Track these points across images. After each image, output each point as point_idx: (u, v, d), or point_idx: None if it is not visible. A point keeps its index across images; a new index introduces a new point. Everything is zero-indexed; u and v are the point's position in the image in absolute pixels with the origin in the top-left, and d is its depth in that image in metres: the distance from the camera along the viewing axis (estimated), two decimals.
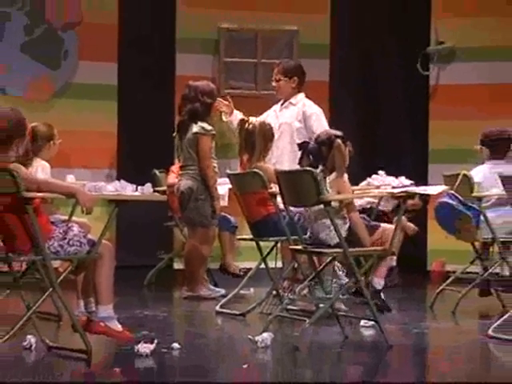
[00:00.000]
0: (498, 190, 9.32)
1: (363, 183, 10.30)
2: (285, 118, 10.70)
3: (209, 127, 10.34)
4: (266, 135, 9.87)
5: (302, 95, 10.88)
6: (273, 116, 10.79)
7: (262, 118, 10.65)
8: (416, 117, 13.35)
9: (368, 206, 10.34)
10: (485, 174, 9.95)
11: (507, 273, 9.80)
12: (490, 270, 9.99)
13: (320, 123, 10.63)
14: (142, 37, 12.71)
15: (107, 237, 7.86)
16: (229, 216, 11.11)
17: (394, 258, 10.50)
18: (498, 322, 8.49)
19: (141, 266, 11.56)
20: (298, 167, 8.71)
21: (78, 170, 10.44)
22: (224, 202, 10.88)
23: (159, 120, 12.16)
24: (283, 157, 10.34)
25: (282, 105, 10.91)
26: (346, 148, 8.78)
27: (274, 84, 10.97)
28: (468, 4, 13.24)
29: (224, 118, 10.95)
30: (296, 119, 10.70)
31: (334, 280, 8.94)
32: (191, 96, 10.50)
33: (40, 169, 9.15)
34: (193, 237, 10.58)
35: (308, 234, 8.53)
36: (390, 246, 8.78)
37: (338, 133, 8.74)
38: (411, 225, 10.98)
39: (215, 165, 10.43)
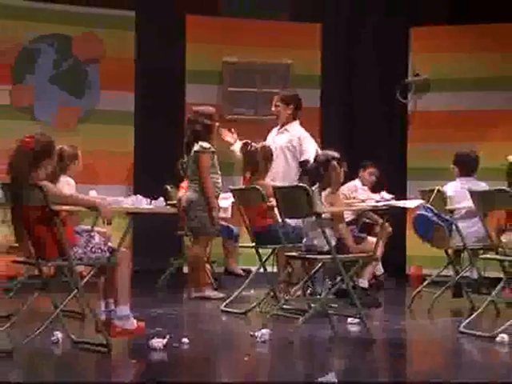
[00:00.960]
0: (467, 203, 9.32)
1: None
2: (280, 142, 10.68)
3: (207, 145, 10.33)
4: (267, 157, 9.98)
5: (296, 123, 10.89)
6: (270, 140, 10.78)
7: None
8: (396, 139, 13.37)
9: (356, 218, 10.31)
10: (456, 190, 9.99)
11: (476, 276, 9.77)
12: (461, 274, 9.99)
13: (311, 145, 10.67)
14: (155, 69, 12.71)
15: (125, 245, 7.85)
16: (232, 226, 11.11)
17: (379, 264, 10.53)
18: (468, 320, 8.50)
19: (154, 270, 11.54)
20: (289, 184, 8.80)
21: (100, 186, 10.40)
22: (228, 214, 10.90)
23: (170, 142, 12.14)
24: (278, 175, 10.34)
25: (278, 130, 10.91)
26: (341, 168, 8.82)
27: (273, 109, 10.98)
28: (440, 42, 13.27)
29: (231, 148, 11.02)
30: (290, 144, 10.71)
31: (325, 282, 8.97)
32: (193, 119, 10.54)
33: (66, 185, 9.17)
34: (196, 243, 10.58)
35: (304, 241, 8.53)
36: (374, 254, 8.80)
37: (336, 155, 8.78)
38: (389, 228, 10.94)
39: (219, 180, 10.42)
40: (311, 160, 9.05)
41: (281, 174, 10.40)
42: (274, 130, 10.97)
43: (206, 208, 10.34)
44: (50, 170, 7.43)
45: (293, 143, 10.72)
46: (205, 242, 10.65)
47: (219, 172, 10.51)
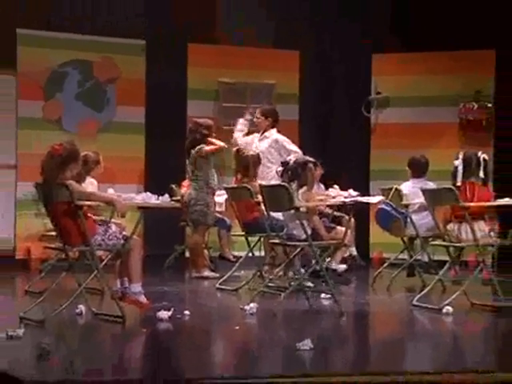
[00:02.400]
0: (419, 199, 9.35)
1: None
2: (261, 148, 10.73)
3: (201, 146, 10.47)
4: (256, 162, 9.96)
5: (274, 130, 10.97)
6: (253, 146, 10.82)
7: (246, 140, 11.06)
8: (361, 146, 13.33)
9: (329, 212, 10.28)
10: (409, 188, 10.01)
11: (426, 259, 9.78)
12: (414, 258, 10.00)
13: (293, 145, 10.85)
14: (162, 88, 12.66)
15: (137, 233, 7.86)
16: (225, 218, 11.11)
17: (353, 249, 10.54)
18: (420, 295, 8.52)
19: (161, 254, 11.49)
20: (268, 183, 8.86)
21: (116, 185, 10.38)
22: (222, 208, 10.91)
23: (174, 148, 12.08)
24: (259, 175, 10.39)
25: (259, 138, 10.98)
26: (316, 170, 8.88)
27: (255, 121, 11.11)
28: (396, 67, 13.28)
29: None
30: (271, 148, 10.77)
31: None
32: (194, 129, 10.56)
33: (90, 184, 9.21)
34: (196, 232, 10.57)
35: (285, 231, 8.53)
36: (343, 240, 8.81)
37: (311, 159, 8.84)
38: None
39: (214, 177, 10.45)
40: (291, 160, 9.02)
41: (260, 174, 10.40)
42: (256, 138, 11.04)
43: (204, 203, 10.34)
44: (75, 172, 7.48)
45: (273, 146, 10.80)
46: (203, 232, 10.65)
47: (214, 172, 10.51)
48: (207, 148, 10.35)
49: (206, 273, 10.64)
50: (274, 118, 11.01)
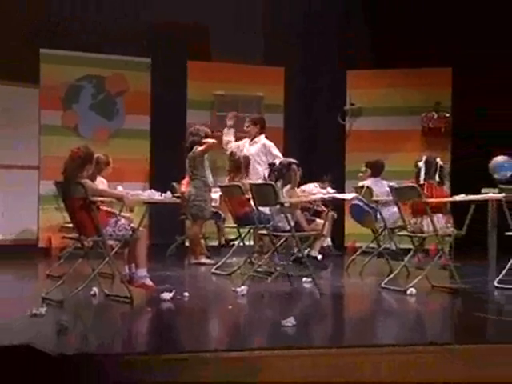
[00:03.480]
0: (384, 196, 9.44)
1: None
2: (251, 152, 10.65)
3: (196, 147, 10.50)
4: (246, 164, 9.97)
5: (262, 136, 10.88)
6: (245, 150, 10.74)
7: (237, 144, 10.96)
8: (338, 150, 13.37)
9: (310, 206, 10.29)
10: (376, 186, 10.04)
11: (393, 247, 9.79)
12: (383, 246, 10.01)
13: (277, 150, 10.76)
14: (165, 99, 12.67)
15: (142, 225, 7.87)
16: (220, 212, 11.11)
17: (328, 239, 10.53)
18: (387, 279, 8.52)
19: (164, 244, 11.50)
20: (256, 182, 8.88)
21: (124, 183, 10.39)
22: (217, 203, 10.92)
23: (175, 151, 12.08)
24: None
25: (249, 143, 10.90)
26: (298, 171, 8.89)
27: (245, 128, 11.02)
28: (367, 81, 13.34)
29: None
30: (260, 151, 10.71)
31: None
32: (194, 132, 10.55)
33: (101, 183, 9.18)
34: (194, 224, 10.56)
35: (271, 223, 8.54)
36: (321, 232, 8.83)
37: (294, 161, 8.90)
38: (334, 214, 10.96)
39: (210, 176, 10.45)
40: (277, 162, 9.03)
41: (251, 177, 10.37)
42: (246, 143, 10.95)
43: (202, 199, 10.34)
44: (90, 172, 7.49)
45: (262, 150, 10.72)
46: (201, 224, 10.65)
47: (209, 171, 10.51)
48: (200, 148, 10.34)
49: (203, 260, 10.64)
50: (262, 125, 10.96)
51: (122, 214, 8.24)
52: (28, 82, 12.14)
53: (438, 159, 9.05)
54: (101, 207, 7.55)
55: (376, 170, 10.41)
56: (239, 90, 13.17)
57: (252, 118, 11.16)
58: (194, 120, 12.87)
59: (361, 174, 10.84)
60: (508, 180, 9.34)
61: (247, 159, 10.10)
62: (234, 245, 10.40)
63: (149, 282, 7.50)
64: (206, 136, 10.52)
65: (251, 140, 10.94)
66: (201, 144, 10.43)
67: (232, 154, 10.19)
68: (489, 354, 5.20)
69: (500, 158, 9.35)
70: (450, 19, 12.52)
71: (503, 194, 8.58)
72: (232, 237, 11.28)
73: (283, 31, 13.52)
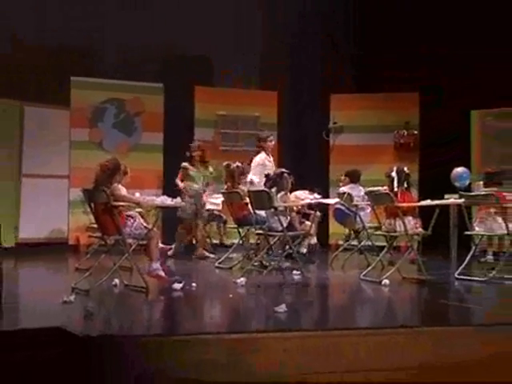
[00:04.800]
0: (360, 200, 9.44)
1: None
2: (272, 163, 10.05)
3: (183, 164, 10.77)
4: (241, 172, 9.84)
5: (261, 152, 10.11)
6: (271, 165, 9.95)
7: (259, 163, 9.93)
8: (323, 161, 13.36)
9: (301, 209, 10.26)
10: (355, 192, 10.00)
11: (370, 244, 9.78)
12: (362, 244, 10.00)
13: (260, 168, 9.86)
14: (176, 119, 12.63)
15: (156, 226, 7.83)
16: (222, 215, 11.08)
17: (314, 238, 10.49)
18: (365, 271, 8.51)
19: (174, 241, 11.45)
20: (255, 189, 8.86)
21: (141, 190, 10.32)
22: (220, 207, 10.88)
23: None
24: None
25: (269, 158, 10.02)
26: (290, 179, 8.88)
27: (270, 144, 10.08)
28: (348, 104, 13.32)
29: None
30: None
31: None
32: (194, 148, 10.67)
33: (121, 189, 9.14)
34: (180, 224, 10.73)
35: (266, 224, 8.52)
36: (309, 231, 8.81)
37: (286, 171, 8.90)
38: (318, 215, 10.92)
39: (194, 186, 10.62)
40: (272, 173, 9.01)
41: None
42: (266, 160, 9.96)
43: (187, 204, 10.29)
44: (118, 180, 7.49)
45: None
46: (202, 225, 10.63)
47: (196, 181, 10.40)
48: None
49: (208, 254, 10.63)
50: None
51: (139, 216, 8.22)
52: (60, 105, 12.15)
53: (406, 168, 9.04)
54: (121, 210, 7.53)
55: (354, 177, 10.38)
56: (239, 111, 13.17)
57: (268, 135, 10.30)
58: (200, 136, 12.91)
59: (341, 184, 10.83)
60: (466, 188, 9.35)
61: (240, 169, 9.92)
62: (232, 244, 10.36)
63: (162, 274, 7.47)
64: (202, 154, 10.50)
65: (270, 155, 10.13)
66: (203, 154, 10.41)
67: (227, 165, 10.05)
68: (451, 335, 5.20)
69: (460, 169, 9.38)
70: (419, 55, 12.56)
71: (462, 200, 8.60)
72: (230, 241, 11.19)
73: (276, 61, 13.51)
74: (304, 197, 9.52)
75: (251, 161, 10.03)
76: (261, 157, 9.91)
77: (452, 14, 12.32)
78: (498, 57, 11.66)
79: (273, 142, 10.13)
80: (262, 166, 9.78)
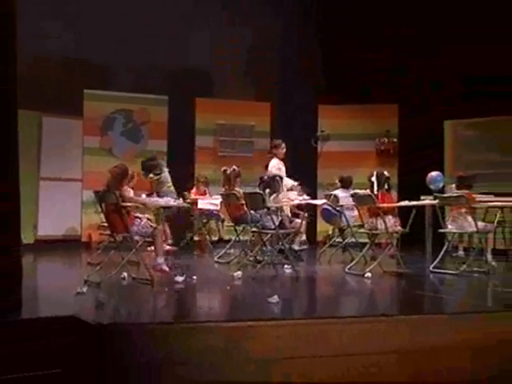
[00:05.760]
0: (346, 201, 9.43)
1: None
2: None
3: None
4: (236, 176, 9.62)
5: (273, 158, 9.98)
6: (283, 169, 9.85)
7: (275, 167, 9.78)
8: (311, 166, 13.35)
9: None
10: (341, 194, 9.99)
11: (354, 241, 9.78)
12: (346, 240, 10.01)
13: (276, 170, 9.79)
14: (178, 127, 12.62)
15: (160, 224, 7.84)
16: (220, 214, 11.05)
17: (304, 235, 10.46)
18: (350, 265, 8.52)
19: (177, 238, 11.42)
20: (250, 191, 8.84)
21: (147, 192, 10.31)
22: (218, 208, 10.81)
23: (186, 168, 12.15)
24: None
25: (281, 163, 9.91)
26: (282, 182, 8.89)
27: (282, 151, 9.96)
28: (335, 113, 13.32)
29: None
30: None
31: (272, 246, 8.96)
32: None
33: (129, 191, 9.13)
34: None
35: (260, 223, 8.52)
36: (299, 229, 8.81)
37: (278, 174, 8.93)
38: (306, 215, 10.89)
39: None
40: (265, 177, 8.99)
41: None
42: (280, 164, 9.85)
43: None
44: (128, 183, 7.52)
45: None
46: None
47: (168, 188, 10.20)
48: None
49: (207, 251, 10.62)
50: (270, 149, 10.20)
51: (146, 215, 8.21)
52: (75, 115, 12.13)
53: (386, 172, 9.07)
54: (129, 211, 7.52)
55: (346, 183, 10.33)
56: (236, 120, 13.16)
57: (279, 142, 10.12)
58: (201, 143, 12.95)
59: (332, 188, 10.74)
60: (440, 190, 9.37)
61: (234, 173, 9.78)
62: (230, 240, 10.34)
63: (165, 268, 7.47)
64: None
65: (280, 160, 9.96)
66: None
67: (225, 170, 9.94)
68: (426, 322, 5.21)
69: (434, 173, 9.39)
70: (399, 72, 12.65)
71: (437, 201, 8.62)
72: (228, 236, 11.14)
73: (269, 76, 13.51)
74: (294, 198, 9.51)
75: (266, 167, 9.96)
76: (273, 163, 9.87)
77: (426, 36, 12.41)
78: (467, 75, 11.84)
79: (284, 150, 10.02)
80: (278, 169, 9.78)
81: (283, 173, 9.70)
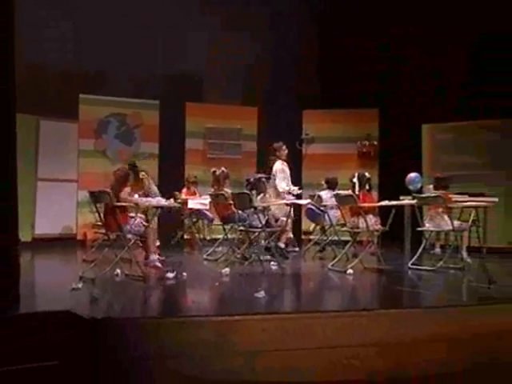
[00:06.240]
0: (331, 201, 9.43)
1: None
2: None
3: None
4: (224, 177, 9.63)
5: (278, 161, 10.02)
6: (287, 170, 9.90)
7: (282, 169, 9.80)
8: (296, 168, 13.17)
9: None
10: (326, 195, 10.00)
11: (337, 239, 9.79)
12: (330, 238, 10.02)
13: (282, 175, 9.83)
14: (169, 130, 12.60)
15: (152, 223, 7.82)
16: (209, 214, 11.04)
17: (290, 233, 10.46)
18: (333, 262, 8.53)
19: (168, 236, 11.41)
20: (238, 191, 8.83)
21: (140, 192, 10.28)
22: (207, 207, 10.79)
23: (177, 169, 12.16)
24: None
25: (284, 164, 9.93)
26: (268, 183, 8.89)
27: (284, 152, 9.99)
28: (318, 118, 13.34)
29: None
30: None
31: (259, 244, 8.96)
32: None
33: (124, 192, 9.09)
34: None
35: (247, 222, 8.52)
36: (285, 227, 8.81)
37: (264, 175, 8.90)
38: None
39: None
40: (251, 178, 8.99)
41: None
42: (284, 165, 9.90)
43: None
44: (128, 184, 7.52)
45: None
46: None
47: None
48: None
49: (197, 248, 10.59)
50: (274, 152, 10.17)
51: (138, 215, 8.18)
52: (70, 119, 12.09)
53: (367, 173, 9.09)
54: (125, 211, 7.50)
55: (332, 184, 10.35)
56: (224, 124, 13.16)
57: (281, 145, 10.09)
58: (191, 146, 12.93)
59: (320, 189, 10.73)
60: (418, 190, 9.40)
61: (223, 174, 9.67)
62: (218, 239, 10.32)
63: (158, 265, 7.46)
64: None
65: (283, 161, 9.95)
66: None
67: (214, 172, 9.92)
68: (405, 316, 5.23)
69: (413, 174, 9.40)
70: (380, 78, 12.71)
71: (415, 201, 8.64)
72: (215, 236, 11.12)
73: (256, 82, 13.51)
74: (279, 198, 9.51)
75: (270, 170, 9.94)
76: (277, 165, 9.88)
77: (403, 47, 12.50)
78: (444, 82, 11.95)
79: (286, 151, 10.04)
80: (282, 171, 9.82)
81: (287, 173, 9.80)
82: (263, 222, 8.25)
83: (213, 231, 11.55)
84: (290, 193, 9.76)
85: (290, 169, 10.02)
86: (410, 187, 9.42)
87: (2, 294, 4.84)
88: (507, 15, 10.97)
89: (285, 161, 9.96)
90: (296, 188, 9.86)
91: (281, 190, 9.70)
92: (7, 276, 4.98)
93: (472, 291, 7.02)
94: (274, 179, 9.76)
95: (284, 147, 10.02)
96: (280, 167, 9.86)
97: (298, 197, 10.13)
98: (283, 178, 9.78)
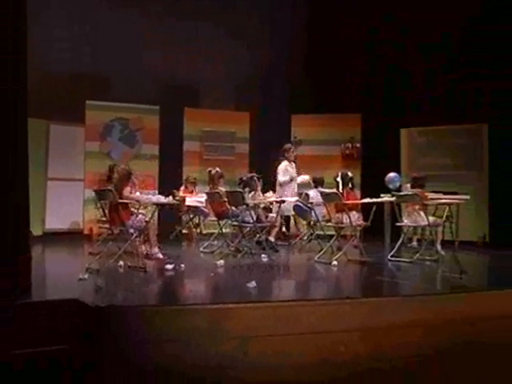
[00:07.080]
0: (318, 198, 9.42)
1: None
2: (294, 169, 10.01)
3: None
4: (219, 176, 9.55)
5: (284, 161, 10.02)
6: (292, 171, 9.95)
7: (289, 168, 9.87)
8: None
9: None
10: (314, 193, 10.00)
11: (322, 233, 9.79)
12: (316, 233, 10.02)
13: (282, 174, 9.89)
14: (169, 134, 12.58)
15: (153, 219, 7.79)
16: (205, 210, 11.01)
17: (283, 227, 10.42)
18: (319, 255, 8.54)
19: (167, 231, 11.38)
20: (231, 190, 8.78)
21: (141, 190, 10.24)
22: (204, 204, 10.76)
23: (175, 169, 12.13)
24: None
25: (291, 165, 9.93)
26: (259, 182, 8.88)
27: (294, 154, 10.07)
28: (306, 122, 13.29)
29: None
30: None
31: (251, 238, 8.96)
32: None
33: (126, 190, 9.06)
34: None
35: (240, 218, 8.51)
36: (275, 223, 8.81)
37: (256, 175, 8.93)
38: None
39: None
40: (244, 177, 8.99)
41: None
42: (288, 164, 9.91)
43: None
44: (130, 182, 7.48)
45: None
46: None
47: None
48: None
49: (194, 242, 10.56)
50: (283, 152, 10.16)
51: (140, 211, 8.17)
52: (77, 123, 12.04)
53: (349, 173, 9.11)
54: (129, 208, 7.48)
55: (318, 183, 10.36)
56: (219, 127, 13.12)
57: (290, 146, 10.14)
58: (189, 148, 12.89)
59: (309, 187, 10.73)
60: (397, 189, 9.42)
61: (218, 174, 9.55)
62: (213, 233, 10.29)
63: (160, 256, 7.45)
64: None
65: (290, 163, 10.01)
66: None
67: (209, 171, 9.89)
68: (385, 304, 5.24)
69: (392, 174, 9.43)
70: (362, 85, 12.74)
71: (394, 198, 8.66)
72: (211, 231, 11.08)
73: (249, 89, 13.49)
74: (270, 195, 9.51)
75: (276, 169, 9.96)
76: (282, 165, 9.92)
77: (387, 55, 12.50)
78: (420, 91, 12.02)
79: (294, 153, 10.10)
80: (285, 170, 9.85)
81: (292, 173, 9.87)
82: (255, 218, 8.25)
83: (208, 226, 11.51)
84: (291, 180, 9.77)
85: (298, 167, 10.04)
86: (390, 186, 9.44)
87: (14, 284, 4.82)
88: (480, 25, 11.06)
89: (293, 162, 9.99)
90: (295, 175, 9.85)
91: (280, 182, 9.75)
92: (20, 267, 4.95)
93: (445, 281, 7.04)
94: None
95: (292, 149, 10.10)
96: (283, 167, 9.90)
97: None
98: (283, 175, 9.83)
